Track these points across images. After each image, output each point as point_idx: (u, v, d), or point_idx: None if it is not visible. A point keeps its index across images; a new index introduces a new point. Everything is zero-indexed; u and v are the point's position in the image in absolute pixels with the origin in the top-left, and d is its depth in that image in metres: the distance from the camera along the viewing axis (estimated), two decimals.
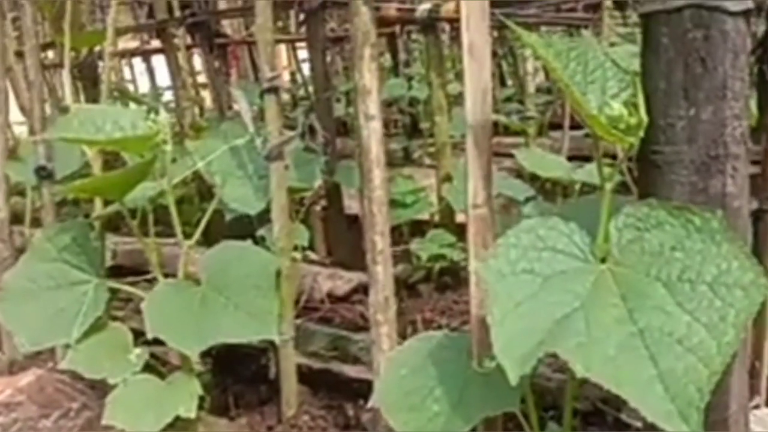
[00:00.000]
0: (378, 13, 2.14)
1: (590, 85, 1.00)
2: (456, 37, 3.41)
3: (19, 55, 2.73)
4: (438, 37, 2.05)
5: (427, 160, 3.42)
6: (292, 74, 5.00)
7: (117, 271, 2.24)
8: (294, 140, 1.36)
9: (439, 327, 1.75)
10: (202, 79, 3.91)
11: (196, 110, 3.76)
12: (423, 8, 1.95)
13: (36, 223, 1.93)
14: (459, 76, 4.16)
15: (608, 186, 0.99)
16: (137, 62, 4.34)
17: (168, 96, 4.24)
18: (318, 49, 2.10)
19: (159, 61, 4.34)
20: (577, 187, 1.89)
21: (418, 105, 3.33)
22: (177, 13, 3.27)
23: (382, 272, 1.16)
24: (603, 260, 0.93)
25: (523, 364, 0.84)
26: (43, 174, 1.64)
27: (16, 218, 2.29)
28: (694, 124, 0.91)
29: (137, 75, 4.48)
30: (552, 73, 0.97)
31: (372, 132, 1.13)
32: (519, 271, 0.91)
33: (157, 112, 1.28)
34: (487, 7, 1.01)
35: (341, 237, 2.39)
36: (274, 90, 1.32)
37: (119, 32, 3.27)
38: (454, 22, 2.51)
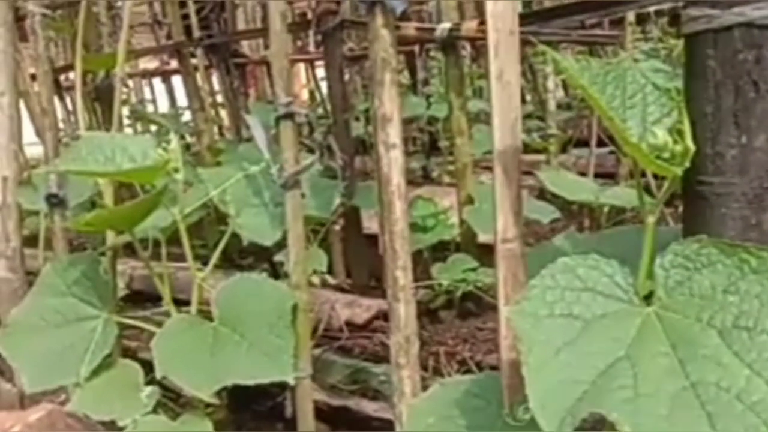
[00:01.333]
0: (397, 33, 2.07)
1: (629, 111, 0.90)
2: (477, 57, 3.33)
3: (36, 78, 2.70)
4: (458, 56, 1.96)
5: (446, 179, 3.33)
6: (311, 93, 4.95)
7: (133, 297, 2.19)
8: (311, 167, 1.27)
9: (463, 361, 1.66)
10: (221, 98, 3.88)
11: (215, 129, 3.72)
12: (443, 27, 1.87)
13: (50, 245, 1.85)
14: (476, 93, 4.08)
15: (651, 219, 0.90)
16: (157, 82, 4.31)
17: (187, 116, 4.21)
18: (335, 69, 2.02)
19: (179, 82, 4.31)
20: (605, 209, 1.80)
21: (437, 123, 3.25)
22: (196, 34, 3.24)
23: (404, 310, 1.07)
24: (648, 301, 0.84)
25: (562, 422, 0.74)
26: (55, 202, 1.57)
27: (30, 240, 2.24)
28: (746, 153, 0.82)
29: (157, 95, 4.45)
30: (589, 100, 0.88)
31: (393, 162, 1.04)
32: (557, 315, 0.82)
33: (180, 136, 1.22)
34: (516, 33, 0.93)
35: (360, 259, 2.31)
36: (290, 116, 1.24)
37: (138, 54, 3.24)
38: (475, 41, 2.43)
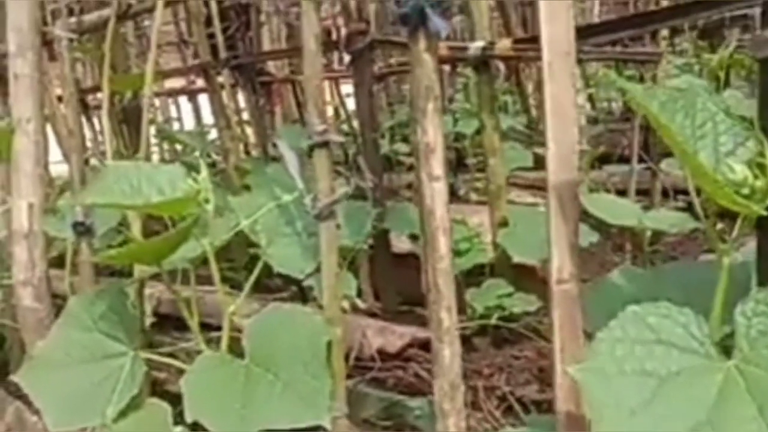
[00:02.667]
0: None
1: (700, 141, 0.81)
2: (510, 76, 3.25)
3: (62, 99, 2.66)
4: (491, 76, 1.88)
5: (474, 196, 3.24)
6: (335, 110, 4.90)
7: (160, 322, 2.12)
8: (346, 197, 1.20)
9: (503, 396, 1.56)
10: (245, 116, 3.83)
11: (241, 147, 3.67)
12: (476, 46, 1.78)
13: (77, 268, 1.79)
14: (501, 108, 3.99)
15: (726, 262, 0.80)
16: (183, 100, 4.28)
17: (213, 134, 4.17)
18: (365, 89, 1.95)
19: (204, 100, 4.28)
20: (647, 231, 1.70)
21: (464, 140, 3.16)
22: (222, 53, 3.19)
23: (449, 353, 0.98)
24: (726, 354, 0.75)
25: None
26: (81, 230, 1.51)
27: (58, 260, 2.18)
28: None
29: (183, 113, 4.41)
30: (660, 131, 0.79)
31: (437, 194, 0.96)
32: (628, 372, 0.72)
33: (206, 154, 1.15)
34: (573, 54, 0.84)
35: (389, 281, 2.22)
36: (325, 144, 1.16)
37: (165, 74, 3.20)
38: (509, 59, 2.35)
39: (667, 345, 0.74)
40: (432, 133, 0.95)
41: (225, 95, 3.11)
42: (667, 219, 1.66)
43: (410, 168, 3.54)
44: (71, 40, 1.49)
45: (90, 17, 1.52)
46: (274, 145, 2.56)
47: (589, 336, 0.96)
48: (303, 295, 2.38)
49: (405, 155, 3.51)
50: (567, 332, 0.88)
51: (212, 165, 3.64)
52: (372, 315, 2.15)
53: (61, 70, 1.49)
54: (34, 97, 1.59)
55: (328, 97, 5.01)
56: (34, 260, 1.60)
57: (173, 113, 4.42)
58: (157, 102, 3.98)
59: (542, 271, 2.48)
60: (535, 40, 1.74)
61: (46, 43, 1.59)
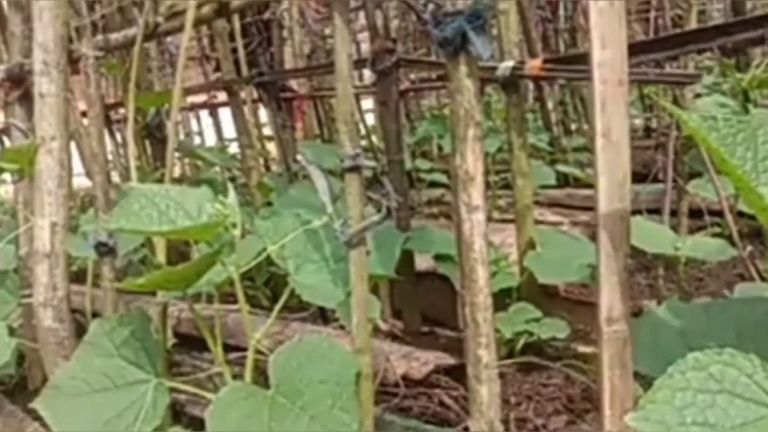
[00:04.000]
0: None
1: (763, 175, 0.76)
2: (539, 97, 3.20)
3: (86, 114, 2.64)
4: (520, 96, 1.83)
5: (496, 214, 3.18)
6: (355, 125, 4.87)
7: (180, 342, 2.08)
8: (379, 224, 1.15)
9: (536, 429, 1.50)
10: (266, 131, 3.80)
11: (261, 160, 3.64)
12: (505, 66, 1.73)
13: (98, 282, 1.74)
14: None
15: None
16: (204, 114, 4.27)
17: (234, 148, 4.15)
18: (391, 109, 1.91)
19: (225, 113, 4.26)
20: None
21: (486, 158, 3.10)
22: (243, 68, 3.17)
23: (487, 392, 0.93)
24: None
25: None
26: (104, 251, 1.48)
27: (78, 275, 2.15)
28: None
29: (204, 127, 4.40)
30: (719, 164, 0.73)
31: (475, 225, 0.91)
32: (689, 423, 0.67)
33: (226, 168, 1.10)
34: (626, 83, 0.79)
35: (412, 301, 2.17)
36: (356, 169, 1.12)
37: (188, 91, 3.19)
38: (538, 79, 2.30)
39: (731, 395, 0.69)
40: (471, 160, 0.90)
41: (246, 111, 3.08)
42: (704, 246, 1.59)
43: (431, 184, 3.50)
44: (98, 59, 1.46)
45: (116, 36, 1.49)
46: (295, 161, 2.52)
47: (636, 375, 0.91)
48: (323, 314, 2.33)
49: (425, 171, 3.46)
50: (617, 375, 0.83)
51: (232, 179, 3.61)
52: (393, 336, 2.10)
53: (87, 90, 1.46)
54: (58, 116, 1.57)
55: None
56: (56, 281, 1.56)
57: (194, 127, 4.41)
58: (178, 116, 3.96)
59: (565, 291, 2.42)
60: (565, 60, 1.69)
61: (72, 61, 1.56)
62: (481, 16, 0.89)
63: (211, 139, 4.31)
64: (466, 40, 0.89)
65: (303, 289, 1.20)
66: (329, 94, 3.60)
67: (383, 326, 2.11)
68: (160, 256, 1.31)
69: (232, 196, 1.16)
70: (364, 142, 4.40)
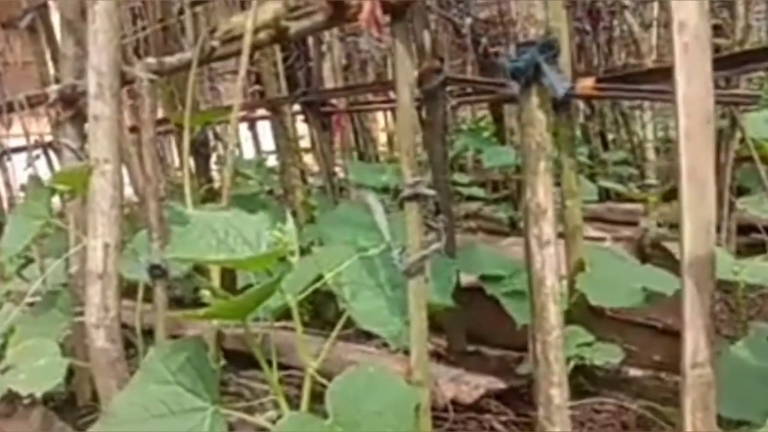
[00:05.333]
0: (505, 91, 1.92)
1: None
2: (591, 116, 3.15)
3: (132, 129, 2.66)
4: (571, 116, 1.79)
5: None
6: (389, 138, 4.86)
7: (225, 358, 2.07)
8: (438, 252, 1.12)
9: None
10: (303, 143, 3.81)
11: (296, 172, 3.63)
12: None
13: (148, 298, 1.74)
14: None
15: None
16: (242, 127, 4.29)
17: (272, 161, 4.16)
18: (438, 128, 1.88)
19: (262, 126, 4.28)
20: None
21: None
22: (282, 82, 3.17)
23: None
24: None
25: None
26: (157, 273, 1.47)
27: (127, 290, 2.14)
28: None
29: (242, 139, 4.43)
30: None
31: (547, 260, 0.88)
32: None
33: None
34: (713, 123, 0.76)
35: (457, 320, 2.13)
36: (416, 197, 1.09)
37: (229, 109, 3.20)
38: (590, 99, 2.26)
39: None
40: (543, 193, 0.88)
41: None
42: (763, 271, 1.54)
43: (468, 198, 3.46)
44: (152, 81, 1.46)
45: (170, 59, 1.50)
46: (333, 174, 2.52)
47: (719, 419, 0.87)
48: (366, 332, 2.31)
49: (464, 186, 3.43)
50: (699, 418, 0.79)
51: (270, 192, 3.62)
52: (438, 356, 2.07)
53: (141, 113, 1.46)
54: (112, 138, 1.57)
55: (382, 124, 4.98)
56: (108, 302, 1.56)
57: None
58: (217, 129, 3.99)
59: (611, 311, 2.36)
60: (616, 79, 1.65)
61: (126, 83, 1.57)
62: (553, 47, 0.87)
63: (248, 152, 4.33)
64: (539, 71, 0.86)
65: (359, 316, 1.18)
66: (366, 108, 3.60)
67: (428, 345, 2.08)
68: (214, 278, 1.30)
69: (290, 224, 1.15)
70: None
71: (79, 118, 1.89)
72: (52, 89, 1.88)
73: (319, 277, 1.20)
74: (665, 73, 1.65)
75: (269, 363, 1.21)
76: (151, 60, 1.49)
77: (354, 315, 1.19)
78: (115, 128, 1.57)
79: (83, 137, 1.91)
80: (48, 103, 1.87)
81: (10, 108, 2.11)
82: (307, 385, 1.18)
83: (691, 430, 0.78)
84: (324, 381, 1.19)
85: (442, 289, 1.28)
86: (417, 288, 1.12)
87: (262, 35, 1.21)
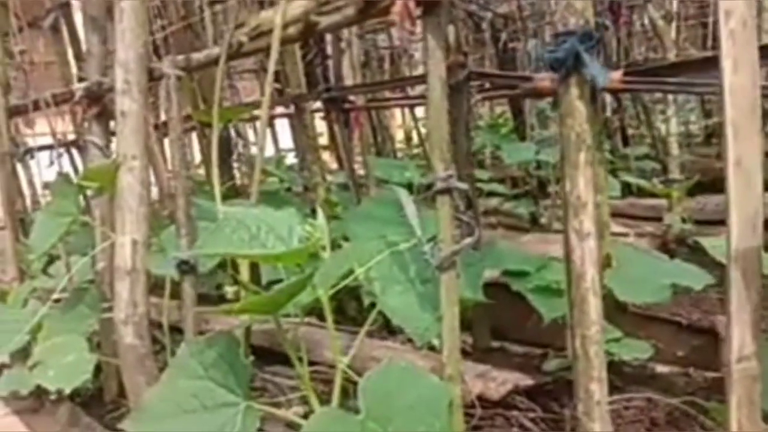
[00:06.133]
0: (531, 85, 1.90)
1: None
2: (618, 110, 3.12)
3: (155, 127, 2.67)
4: (597, 110, 1.77)
5: (556, 225, 3.12)
6: (406, 134, 4.85)
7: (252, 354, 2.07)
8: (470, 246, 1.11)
9: None
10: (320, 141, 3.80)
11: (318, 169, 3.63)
12: None
13: (175, 295, 1.74)
14: None
15: None
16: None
17: (290, 159, 4.17)
18: (462, 123, 1.87)
19: (282, 125, 4.28)
20: None
21: (547, 167, 3.04)
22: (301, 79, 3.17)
23: (600, 430, 0.88)
24: None
25: None
26: (186, 269, 1.47)
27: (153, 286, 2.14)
28: None
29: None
30: None
31: (587, 254, 0.87)
32: None
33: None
34: (758, 111, 0.74)
35: (482, 316, 2.12)
36: (448, 191, 1.08)
37: (255, 106, 3.20)
38: (617, 92, 2.24)
39: None
40: (583, 185, 0.86)
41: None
42: None
43: (489, 194, 3.44)
44: (179, 78, 1.46)
45: (198, 56, 1.49)
46: (352, 171, 2.51)
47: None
48: (388, 325, 2.30)
49: (484, 182, 3.41)
50: (745, 415, 0.77)
51: (288, 189, 3.62)
52: (463, 352, 2.05)
53: (168, 110, 1.46)
54: (139, 134, 1.57)
55: (399, 121, 4.97)
56: (136, 298, 1.56)
57: (251, 138, 4.44)
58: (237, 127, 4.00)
59: (633, 306, 2.34)
60: (644, 72, 1.62)
61: (153, 79, 1.57)
62: (593, 37, 0.85)
63: (267, 149, 4.33)
64: (579, 61, 0.85)
65: (392, 312, 1.17)
66: (384, 105, 3.59)
67: None
68: (244, 274, 1.30)
69: (321, 218, 1.14)
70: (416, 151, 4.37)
71: (105, 115, 1.90)
72: (78, 87, 1.89)
73: (350, 272, 1.19)
74: (698, 65, 1.63)
75: (299, 359, 1.21)
76: (178, 56, 1.48)
77: (385, 310, 1.19)
78: (142, 125, 1.58)
79: (109, 135, 1.92)
80: (74, 100, 1.88)
81: (36, 106, 2.12)
82: (337, 381, 1.18)
83: (736, 426, 0.77)
84: (349, 377, 1.19)
85: (472, 283, 1.27)
86: (449, 283, 1.11)
87: (291, 30, 1.21)
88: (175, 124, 1.47)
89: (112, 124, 1.88)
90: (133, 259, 1.57)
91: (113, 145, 1.86)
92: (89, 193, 1.87)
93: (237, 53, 1.35)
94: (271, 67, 1.21)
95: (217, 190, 1.35)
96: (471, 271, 1.27)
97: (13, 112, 2.31)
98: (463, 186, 1.08)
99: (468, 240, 1.09)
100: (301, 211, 1.40)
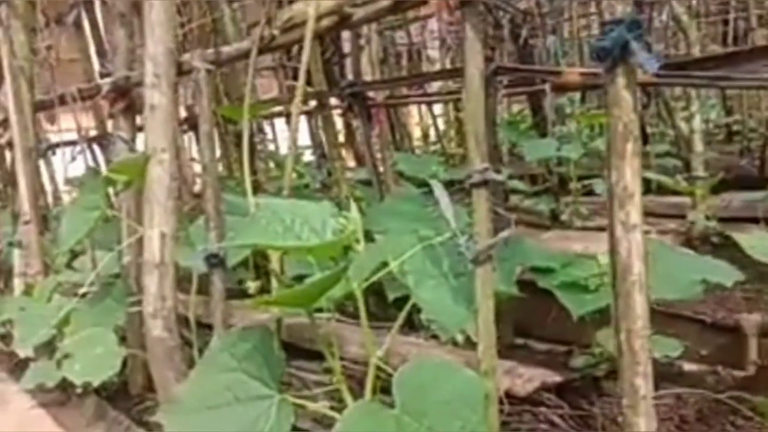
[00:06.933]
0: (560, 78, 1.88)
1: None
2: (647, 105, 3.09)
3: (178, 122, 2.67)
4: None
5: (578, 222, 3.09)
6: (423, 131, 4.83)
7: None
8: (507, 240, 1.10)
9: None
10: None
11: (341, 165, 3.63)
12: None
13: (202, 290, 1.73)
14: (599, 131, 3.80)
15: None
16: (279, 122, 4.30)
17: (308, 156, 4.16)
18: (489, 120, 1.85)
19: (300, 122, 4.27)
20: None
21: (567, 164, 3.02)
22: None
23: (645, 426, 0.86)
24: None
25: None
26: (215, 262, 1.47)
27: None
28: None
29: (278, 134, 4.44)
30: None
31: (634, 246, 0.85)
32: None
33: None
34: None
35: (505, 312, 2.10)
36: (485, 184, 1.07)
37: (277, 102, 3.20)
38: (647, 86, 2.21)
39: None
40: (630, 176, 0.85)
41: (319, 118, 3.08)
42: None
43: (511, 191, 3.41)
44: (209, 72, 1.46)
45: (228, 49, 1.49)
46: (375, 167, 2.50)
47: None
48: (411, 322, 2.29)
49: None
50: None
51: (306, 186, 3.62)
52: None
53: (199, 103, 1.45)
54: (168, 127, 1.57)
55: (417, 118, 4.96)
56: (165, 291, 1.57)
57: (268, 134, 4.45)
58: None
59: (655, 304, 2.31)
60: (674, 67, 1.59)
61: (181, 73, 1.56)
62: (641, 25, 0.84)
63: (284, 146, 4.32)
64: (626, 50, 0.83)
65: (427, 306, 1.16)
66: (403, 101, 3.57)
67: (475, 338, 2.06)
68: (275, 265, 1.29)
69: (354, 212, 1.13)
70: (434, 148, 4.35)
71: (132, 109, 1.90)
72: (105, 81, 1.89)
73: (383, 266, 1.18)
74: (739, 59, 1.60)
75: (331, 354, 1.20)
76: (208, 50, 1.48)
77: (419, 303, 1.17)
78: (171, 118, 1.58)
79: (135, 129, 1.92)
80: (101, 95, 1.89)
81: (62, 101, 2.13)
82: (371, 375, 1.17)
83: None
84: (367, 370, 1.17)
85: (505, 277, 1.26)
86: (485, 276, 1.10)
87: (325, 22, 1.20)
88: (205, 118, 1.46)
89: (139, 118, 1.89)
90: (161, 252, 1.57)
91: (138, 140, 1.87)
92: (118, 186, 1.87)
93: (268, 46, 1.34)
94: (305, 59, 1.20)
95: (248, 183, 1.34)
96: (505, 265, 1.25)
97: (38, 107, 2.32)
98: (501, 178, 1.06)
99: (504, 233, 1.08)
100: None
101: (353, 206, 1.14)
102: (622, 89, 0.84)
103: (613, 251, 0.87)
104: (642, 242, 0.86)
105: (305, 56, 1.20)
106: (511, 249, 1.95)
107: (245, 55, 1.39)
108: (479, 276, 1.10)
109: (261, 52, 1.37)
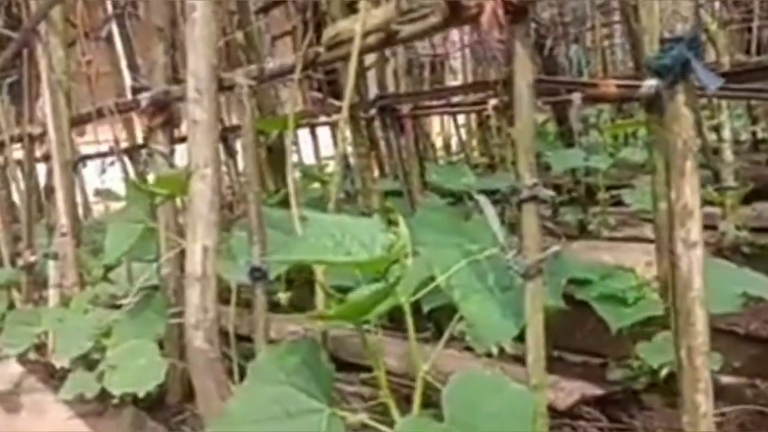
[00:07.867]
0: (596, 90, 1.88)
1: None
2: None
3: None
4: (662, 116, 1.74)
5: (605, 232, 3.07)
6: (446, 143, 4.84)
7: None
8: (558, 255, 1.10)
9: None
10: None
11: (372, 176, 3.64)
12: (650, 84, 1.65)
13: (240, 302, 1.74)
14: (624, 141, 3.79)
15: None
16: (303, 133, 4.33)
17: (331, 166, 4.18)
18: None
19: (323, 132, 4.31)
20: None
21: (596, 174, 3.01)
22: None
23: None
24: None
25: None
26: (258, 275, 1.48)
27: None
28: None
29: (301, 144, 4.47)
30: None
31: (694, 262, 0.85)
32: None
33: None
34: None
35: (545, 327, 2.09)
36: (534, 199, 1.07)
37: (306, 114, 3.24)
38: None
39: None
40: (689, 193, 0.85)
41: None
42: None
43: None
44: (251, 87, 1.48)
45: (272, 66, 1.51)
46: (407, 178, 2.52)
47: None
48: (440, 335, 2.28)
49: None
50: None
51: None
52: (522, 361, 2.03)
53: (242, 119, 1.47)
54: (210, 142, 1.59)
55: (438, 128, 4.97)
56: (207, 303, 1.58)
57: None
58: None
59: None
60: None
61: (223, 89, 1.58)
62: (701, 43, 0.84)
63: (307, 156, 4.36)
64: (686, 67, 0.83)
65: (472, 319, 1.16)
66: (429, 112, 3.59)
67: (509, 350, 2.05)
68: (320, 277, 1.30)
69: (403, 227, 1.14)
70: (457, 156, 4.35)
71: (170, 124, 1.93)
72: (144, 96, 1.92)
73: (430, 280, 1.19)
74: None
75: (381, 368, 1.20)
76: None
77: (466, 317, 1.18)
78: (213, 133, 1.59)
79: (173, 143, 1.94)
80: (140, 109, 1.91)
81: (100, 115, 2.16)
82: (418, 389, 1.17)
83: None
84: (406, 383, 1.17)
85: (553, 291, 1.26)
86: (535, 291, 1.10)
87: (371, 39, 1.21)
88: (248, 132, 1.48)
89: (176, 132, 1.91)
90: (203, 265, 1.58)
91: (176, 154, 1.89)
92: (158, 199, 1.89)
93: (313, 63, 1.35)
94: (351, 75, 1.21)
95: (293, 196, 1.35)
96: (552, 279, 1.25)
97: (76, 121, 2.36)
98: (550, 193, 1.07)
99: (555, 248, 1.08)
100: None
101: (401, 222, 1.15)
102: (681, 106, 0.85)
103: (673, 267, 0.87)
104: (701, 257, 0.86)
105: (351, 73, 1.21)
106: (558, 263, 1.94)
107: (289, 71, 1.41)
108: (529, 290, 1.11)
109: (305, 68, 1.39)
